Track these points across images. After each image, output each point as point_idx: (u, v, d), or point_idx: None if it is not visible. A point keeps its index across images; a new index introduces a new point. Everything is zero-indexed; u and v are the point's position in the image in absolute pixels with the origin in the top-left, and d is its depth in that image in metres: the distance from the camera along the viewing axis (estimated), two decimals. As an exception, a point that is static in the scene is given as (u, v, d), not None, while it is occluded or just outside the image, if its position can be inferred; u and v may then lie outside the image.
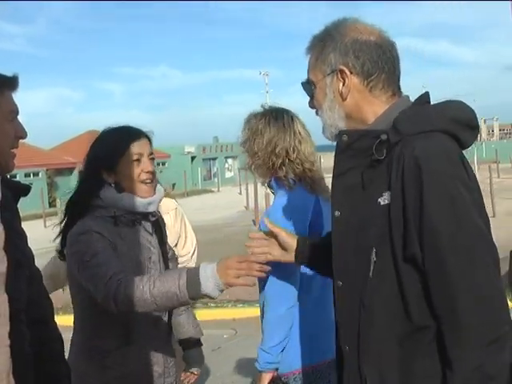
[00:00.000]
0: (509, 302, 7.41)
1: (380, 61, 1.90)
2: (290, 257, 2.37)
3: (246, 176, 35.42)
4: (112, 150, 2.76)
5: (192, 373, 3.17)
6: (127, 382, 2.62)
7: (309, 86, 2.01)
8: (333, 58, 1.91)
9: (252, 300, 9.66)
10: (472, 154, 44.29)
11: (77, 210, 2.73)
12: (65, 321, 10.32)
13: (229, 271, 2.27)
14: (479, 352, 1.66)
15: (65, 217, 2.80)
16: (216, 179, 51.18)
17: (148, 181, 2.75)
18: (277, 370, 2.84)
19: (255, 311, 9.01)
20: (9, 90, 2.07)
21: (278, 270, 2.66)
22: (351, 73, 1.90)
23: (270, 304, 2.82)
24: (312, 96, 2.02)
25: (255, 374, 6.35)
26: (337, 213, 1.93)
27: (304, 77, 2.05)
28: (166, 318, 2.85)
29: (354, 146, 1.88)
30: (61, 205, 22.41)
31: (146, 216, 2.79)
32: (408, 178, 1.73)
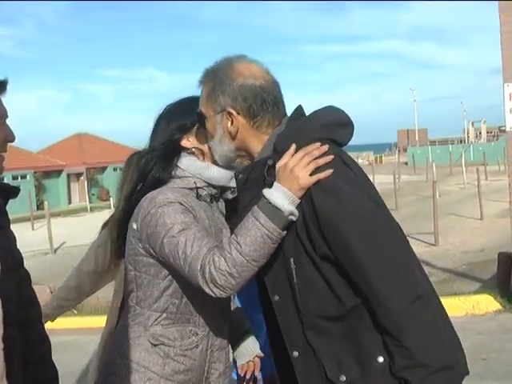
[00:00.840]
0: (496, 303, 7.42)
1: (264, 103, 2.07)
2: None
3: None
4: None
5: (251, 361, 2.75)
6: (187, 377, 2.30)
7: (201, 117, 2.16)
8: (222, 99, 2.08)
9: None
10: (460, 157, 44.48)
11: (151, 180, 2.26)
12: (53, 324, 10.22)
13: (294, 174, 1.95)
14: (405, 310, 1.83)
15: (133, 189, 2.31)
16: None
17: None
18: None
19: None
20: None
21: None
22: (238, 114, 2.07)
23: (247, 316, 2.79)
24: (204, 127, 2.17)
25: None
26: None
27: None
28: (229, 311, 2.51)
29: (249, 179, 2.06)
30: (49, 207, 22.34)
31: (224, 191, 2.39)
32: None
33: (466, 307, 8.03)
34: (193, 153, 2.34)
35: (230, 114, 2.07)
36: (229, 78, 2.07)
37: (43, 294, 10.63)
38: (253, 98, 2.06)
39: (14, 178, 40.55)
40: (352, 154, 2.13)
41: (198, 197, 2.30)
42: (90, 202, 39.55)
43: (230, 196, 2.39)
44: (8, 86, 2.08)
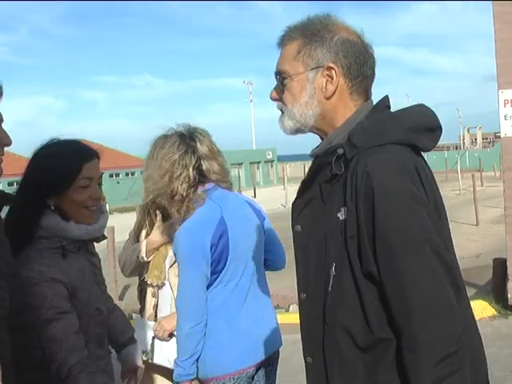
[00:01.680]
0: (491, 309, 7.40)
1: (365, 65, 1.87)
2: None
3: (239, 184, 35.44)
4: (59, 173, 2.40)
5: (131, 370, 2.98)
6: None
7: (282, 77, 1.91)
8: (320, 53, 1.85)
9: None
10: (455, 163, 44.57)
11: (15, 242, 2.18)
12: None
13: None
14: (435, 368, 1.64)
15: None
16: (201, 188, 50.75)
17: (93, 207, 2.48)
18: (194, 379, 2.89)
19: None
20: None
21: (185, 290, 2.83)
22: (339, 70, 1.85)
23: (178, 322, 2.90)
24: (283, 87, 1.91)
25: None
26: (297, 227, 1.92)
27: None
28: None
29: (316, 162, 1.89)
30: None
31: (91, 240, 2.57)
32: (360, 195, 1.71)
33: (461, 313, 7.98)
34: (55, 209, 2.39)
35: (329, 69, 1.84)
36: (329, 31, 1.85)
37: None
38: (355, 57, 1.84)
39: (10, 184, 40.31)
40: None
41: (65, 256, 2.37)
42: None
43: (98, 241, 2.58)
44: (3, 92, 2.07)
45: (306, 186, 1.92)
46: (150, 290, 3.42)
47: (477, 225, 18.06)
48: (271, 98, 1.97)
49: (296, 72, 1.87)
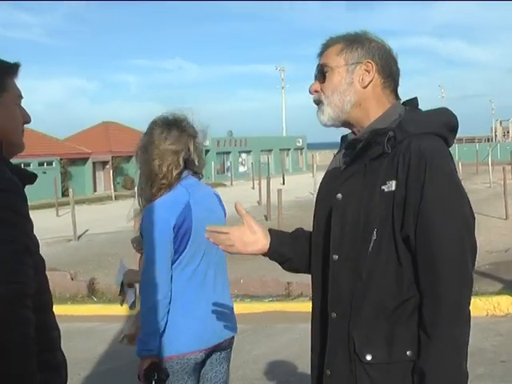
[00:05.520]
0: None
1: (396, 69, 2.21)
2: (255, 248, 2.32)
3: (259, 171, 35.50)
4: None
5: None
6: None
7: (324, 69, 2.19)
8: (360, 53, 2.17)
9: (260, 295, 9.70)
10: (486, 155, 44.02)
11: None
12: (73, 310, 10.28)
13: None
14: (455, 328, 1.91)
15: None
16: (229, 173, 51.28)
17: None
18: (155, 355, 3.00)
19: (263, 306, 9.15)
20: (14, 77, 2.17)
21: (150, 264, 3.00)
22: (375, 67, 2.16)
23: (141, 296, 3.06)
24: (323, 79, 2.20)
25: (262, 368, 6.39)
26: (338, 195, 2.11)
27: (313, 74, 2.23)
28: None
29: (363, 141, 2.10)
30: (74, 194, 22.53)
31: None
32: (413, 170, 1.98)
33: (486, 308, 7.94)
34: None
35: (367, 64, 2.15)
36: (367, 39, 2.19)
37: (64, 279, 10.77)
38: (387, 61, 2.18)
39: (40, 164, 40.90)
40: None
41: None
42: (114, 191, 39.82)
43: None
44: (19, 70, 2.16)
45: (346, 161, 2.17)
46: None
47: (506, 219, 17.82)
48: (310, 91, 2.24)
49: (338, 65, 2.18)
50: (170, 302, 3.03)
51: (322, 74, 2.20)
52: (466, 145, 67.20)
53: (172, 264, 3.04)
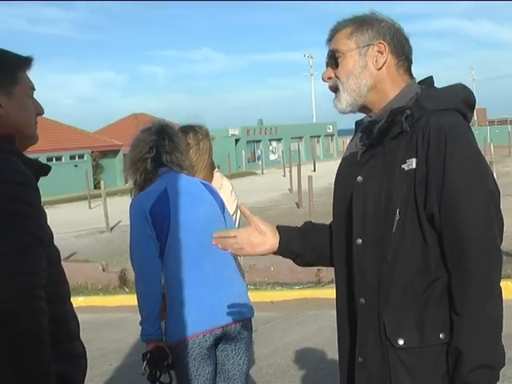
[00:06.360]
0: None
1: (407, 47, 2.16)
2: (264, 248, 2.30)
3: (290, 159, 35.46)
4: None
5: None
6: None
7: (336, 55, 2.15)
8: (371, 34, 2.12)
9: (290, 282, 9.69)
10: (506, 136, 43.27)
11: None
12: (105, 301, 10.33)
13: None
14: (486, 303, 1.88)
15: None
16: (260, 162, 51.07)
17: None
18: (159, 340, 3.15)
19: (293, 294, 9.14)
20: (26, 69, 2.18)
21: (133, 251, 3.23)
22: (388, 47, 2.12)
23: (135, 282, 3.27)
24: (336, 65, 2.15)
25: (293, 355, 6.39)
26: (359, 178, 2.08)
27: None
28: None
29: (381, 121, 2.08)
30: (105, 186, 22.73)
31: None
32: (433, 145, 1.95)
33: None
34: None
35: (379, 45, 2.11)
36: (376, 19, 2.15)
37: (96, 271, 10.87)
38: (399, 40, 2.14)
39: (72, 157, 41.32)
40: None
41: None
42: (145, 182, 39.92)
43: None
44: (32, 63, 2.17)
45: (366, 143, 2.13)
46: None
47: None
48: (323, 79, 2.20)
49: (349, 49, 2.13)
50: (169, 291, 3.17)
51: (334, 60, 2.16)
52: (498, 127, 66.36)
53: (162, 253, 3.18)
